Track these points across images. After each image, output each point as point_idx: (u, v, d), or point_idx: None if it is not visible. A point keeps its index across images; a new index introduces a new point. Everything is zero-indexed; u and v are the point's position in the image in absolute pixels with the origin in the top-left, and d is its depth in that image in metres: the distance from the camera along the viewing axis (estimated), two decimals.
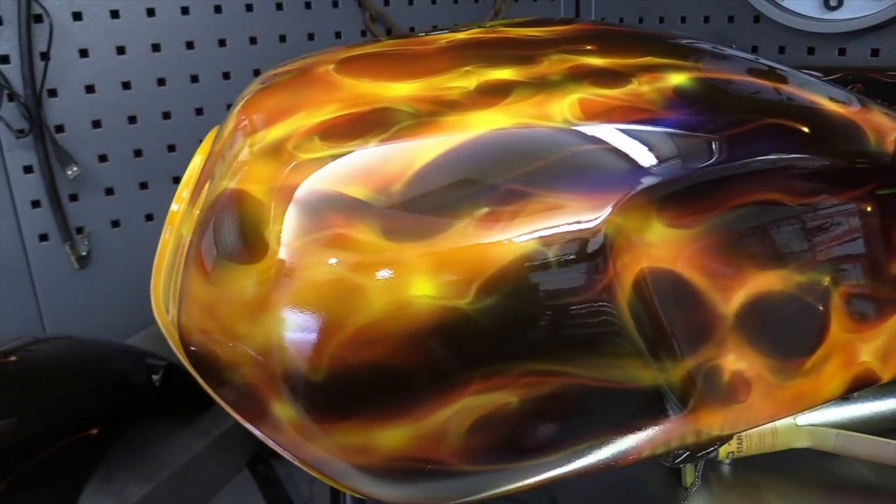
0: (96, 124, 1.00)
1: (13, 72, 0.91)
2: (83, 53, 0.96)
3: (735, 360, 0.46)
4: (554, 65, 0.47)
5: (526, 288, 0.41)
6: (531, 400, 0.43)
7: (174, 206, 0.56)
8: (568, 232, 0.41)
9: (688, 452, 0.54)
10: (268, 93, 0.52)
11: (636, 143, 0.43)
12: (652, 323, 0.43)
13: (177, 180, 1.07)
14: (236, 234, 0.45)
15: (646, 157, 0.42)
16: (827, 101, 0.49)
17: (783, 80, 0.51)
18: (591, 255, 0.41)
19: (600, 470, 0.48)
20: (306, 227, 0.42)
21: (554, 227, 0.41)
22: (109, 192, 1.03)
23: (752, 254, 0.46)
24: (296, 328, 0.42)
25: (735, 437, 0.75)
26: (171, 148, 1.06)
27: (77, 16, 0.95)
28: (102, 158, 1.01)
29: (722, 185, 0.44)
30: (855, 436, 0.73)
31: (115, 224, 1.05)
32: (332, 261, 0.41)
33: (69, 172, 0.92)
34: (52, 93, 0.94)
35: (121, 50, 0.99)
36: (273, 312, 0.43)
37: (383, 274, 0.41)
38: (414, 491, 0.46)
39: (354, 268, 0.41)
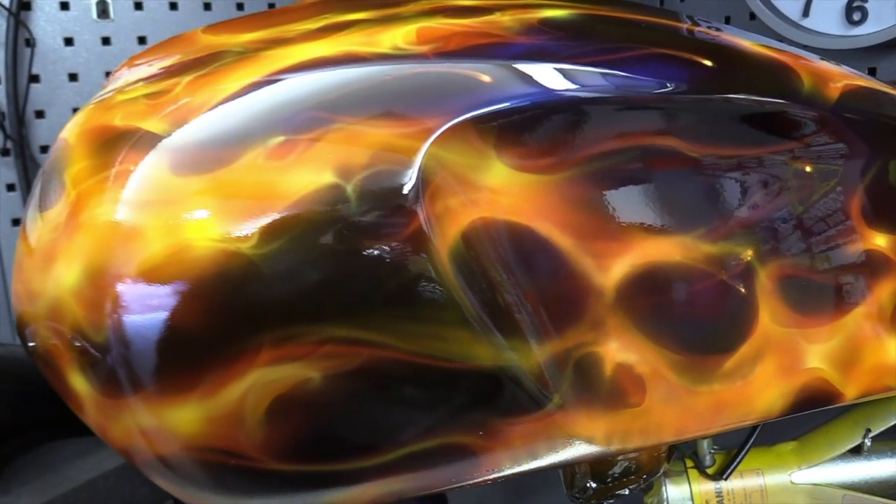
0: (72, 77, 0.99)
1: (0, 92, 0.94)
2: (73, 77, 0.99)
3: (620, 350, 0.36)
4: (414, 5, 0.41)
5: (318, 230, 0.33)
6: (336, 377, 0.34)
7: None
8: (371, 163, 0.33)
9: (594, 486, 0.43)
10: (146, 50, 0.48)
11: (470, 65, 0.35)
12: (489, 287, 0.34)
13: None
14: (43, 182, 0.40)
15: (478, 81, 0.34)
16: (752, 44, 0.40)
17: (701, 24, 0.42)
18: (397, 191, 0.33)
19: (451, 484, 0.38)
20: (97, 165, 0.37)
21: (355, 157, 0.33)
22: None
23: (639, 213, 0.36)
24: (77, 279, 0.36)
25: (715, 496, 0.62)
26: None
27: (69, 41, 0.98)
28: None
29: (590, 121, 0.36)
30: (868, 500, 0.58)
31: None
32: (116, 200, 0.36)
33: None
34: (40, 114, 0.97)
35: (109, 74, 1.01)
36: (59, 263, 0.37)
37: (164, 212, 0.35)
38: (226, 497, 0.38)
39: (136, 207, 0.35)
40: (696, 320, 0.37)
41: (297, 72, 0.36)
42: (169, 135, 0.36)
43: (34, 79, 0.94)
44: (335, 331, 0.34)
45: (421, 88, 0.34)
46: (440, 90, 0.34)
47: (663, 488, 0.57)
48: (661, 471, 0.44)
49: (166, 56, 0.44)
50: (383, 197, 0.33)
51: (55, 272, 0.37)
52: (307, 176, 0.33)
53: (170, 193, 0.34)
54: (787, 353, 0.38)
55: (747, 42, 0.41)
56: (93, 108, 0.41)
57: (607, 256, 0.36)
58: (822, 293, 0.38)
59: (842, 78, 0.40)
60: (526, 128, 0.35)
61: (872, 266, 0.39)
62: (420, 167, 0.33)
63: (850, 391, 0.39)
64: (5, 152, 0.93)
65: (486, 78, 0.35)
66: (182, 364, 0.35)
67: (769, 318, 0.38)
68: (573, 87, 0.35)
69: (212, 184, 0.34)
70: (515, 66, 0.35)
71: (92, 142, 0.38)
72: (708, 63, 0.37)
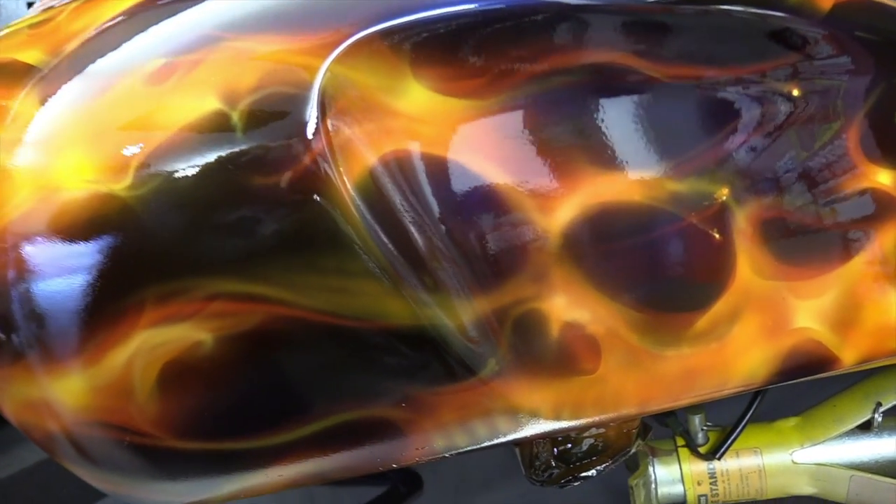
0: None
1: None
2: None
3: (569, 307, 0.31)
4: None
5: (199, 166, 0.28)
6: (230, 340, 0.29)
7: None
8: (260, 84, 0.28)
9: (556, 466, 0.38)
10: None
11: None
12: (404, 231, 0.29)
13: None
14: None
15: None
16: None
17: None
18: (291, 117, 0.28)
19: (377, 466, 0.33)
20: None
21: (242, 78, 0.28)
22: None
23: (591, 144, 0.30)
24: None
25: (707, 477, 0.56)
26: None
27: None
28: None
29: (528, 33, 0.30)
30: (878, 481, 0.52)
31: None
32: None
33: None
34: None
35: None
36: None
37: (33, 152, 0.30)
38: (126, 478, 0.33)
39: (5, 146, 0.31)
40: (660, 272, 0.31)
41: None
42: (43, 65, 0.31)
43: None
44: (224, 284, 0.29)
45: None
46: None
47: (650, 468, 0.51)
48: (633, 449, 0.39)
49: None
50: (274, 124, 0.28)
51: None
52: (188, 102, 0.28)
53: (40, 131, 0.30)
54: (771, 311, 0.32)
55: None
56: None
57: (552, 196, 0.30)
58: (813, 239, 0.32)
59: None
60: (449, 42, 0.29)
61: (875, 207, 0.33)
62: (319, 89, 0.28)
63: (849, 356, 0.33)
64: None
65: None
66: (59, 326, 0.30)
67: (749, 268, 0.32)
68: None
69: (84, 116, 0.29)
70: None
71: None
72: None
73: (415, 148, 0.29)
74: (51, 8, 0.35)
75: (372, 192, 0.28)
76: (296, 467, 0.32)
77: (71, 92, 0.30)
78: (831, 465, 0.53)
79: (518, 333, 0.30)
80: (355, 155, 0.28)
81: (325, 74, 0.28)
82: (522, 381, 0.31)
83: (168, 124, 0.28)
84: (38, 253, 0.29)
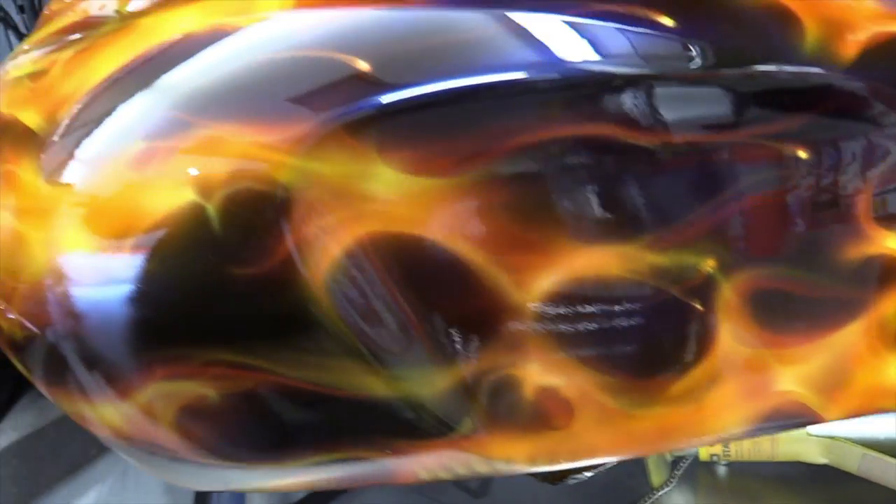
0: None
1: None
2: None
3: (542, 373, 0.32)
4: None
5: (183, 254, 0.29)
6: (232, 396, 0.32)
7: None
8: (231, 179, 0.29)
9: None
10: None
11: (347, 44, 0.28)
12: (377, 313, 0.30)
13: None
14: None
15: (352, 70, 0.28)
16: None
17: None
18: (260, 213, 0.28)
19: (370, 484, 0.37)
20: None
21: (214, 170, 0.29)
22: None
23: (565, 219, 0.30)
24: None
25: (721, 444, 0.58)
26: None
27: None
28: None
29: (501, 110, 0.28)
30: (889, 462, 0.52)
31: None
32: (4, 204, 0.34)
33: None
34: None
35: None
36: None
37: (42, 223, 0.32)
38: (165, 470, 0.39)
39: (20, 214, 0.33)
40: (636, 342, 0.31)
41: (163, 55, 0.31)
42: (42, 132, 0.33)
43: None
44: (218, 354, 0.31)
45: (285, 81, 0.29)
46: (307, 83, 0.28)
47: None
48: None
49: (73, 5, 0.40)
50: (246, 219, 0.29)
51: None
52: (167, 192, 0.29)
53: (45, 202, 0.32)
54: (752, 376, 0.32)
55: None
56: None
57: (525, 270, 0.30)
58: (805, 307, 0.31)
59: (871, 22, 0.29)
60: (417, 125, 0.28)
61: (879, 273, 0.31)
62: (286, 184, 0.28)
63: (834, 414, 0.33)
64: (20, 8, 0.93)
65: (362, 65, 0.28)
66: (85, 373, 0.34)
67: (731, 338, 0.31)
68: (479, 66, 0.28)
69: (81, 196, 0.31)
70: (401, 42, 0.28)
71: None
72: (668, 22, 0.28)
73: (385, 230, 0.29)
74: (47, 49, 0.36)
75: (343, 278, 0.29)
76: (297, 480, 0.36)
77: (68, 168, 0.31)
78: (844, 440, 0.54)
79: (493, 397, 0.32)
80: (325, 244, 0.29)
81: (289, 170, 0.28)
82: (497, 437, 0.33)
83: (152, 212, 0.30)
84: (54, 311, 0.33)
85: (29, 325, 0.34)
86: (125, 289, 0.31)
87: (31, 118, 0.33)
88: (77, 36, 0.36)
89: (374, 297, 0.30)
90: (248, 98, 0.29)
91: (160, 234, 0.30)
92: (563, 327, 0.31)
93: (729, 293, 0.31)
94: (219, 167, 0.29)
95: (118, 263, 0.31)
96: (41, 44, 0.38)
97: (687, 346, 0.31)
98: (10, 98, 0.35)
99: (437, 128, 0.28)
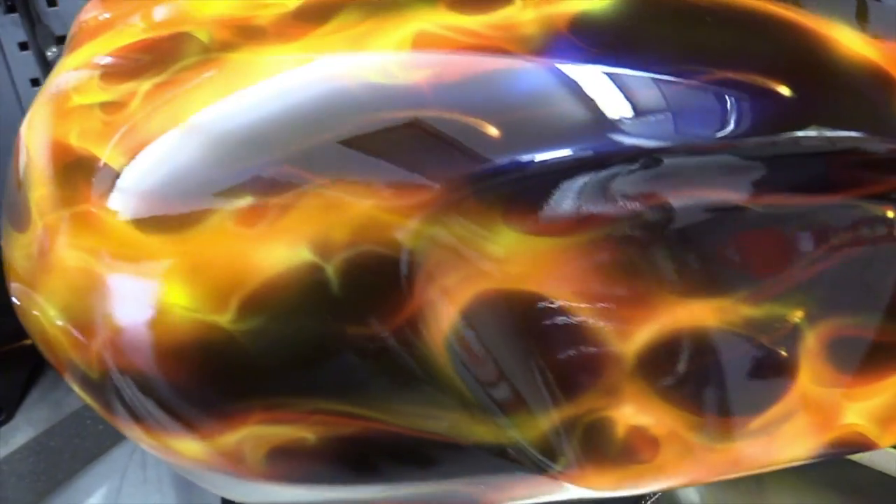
0: None
1: None
2: None
3: (635, 414, 0.33)
4: None
5: (297, 312, 0.29)
6: (332, 440, 0.33)
7: None
8: (353, 241, 0.28)
9: None
10: (89, 8, 0.41)
11: (474, 106, 0.28)
12: (490, 366, 0.31)
13: None
14: (12, 191, 0.37)
15: (484, 135, 0.28)
16: (847, 30, 0.31)
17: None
18: (383, 277, 0.29)
19: None
20: (61, 197, 0.33)
21: (335, 232, 0.28)
22: None
23: (671, 276, 0.31)
24: (59, 318, 0.34)
25: None
26: None
27: None
28: None
29: (623, 177, 0.29)
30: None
31: None
32: (83, 248, 0.32)
33: (49, 54, 0.86)
34: None
35: None
36: (40, 296, 0.35)
37: (133, 271, 0.31)
38: (220, 487, 0.39)
39: (105, 259, 0.32)
40: (725, 384, 0.33)
41: (265, 96, 0.30)
42: (127, 172, 0.31)
43: None
44: (323, 404, 0.32)
45: (411, 143, 0.28)
46: (435, 146, 0.28)
47: None
48: None
49: (127, 21, 0.37)
50: (368, 282, 0.29)
51: (38, 302, 0.35)
52: (282, 251, 0.29)
53: (136, 251, 0.31)
54: (822, 412, 0.35)
55: (839, 29, 0.31)
56: (49, 105, 0.36)
57: (630, 323, 0.31)
58: (877, 351, 0.34)
59: None
60: (542, 188, 0.29)
61: None
62: (409, 249, 0.28)
63: (887, 441, 0.36)
64: (9, 7, 0.86)
65: (492, 130, 0.28)
66: (173, 413, 0.34)
67: (809, 379, 0.34)
68: (607, 138, 0.28)
69: (179, 248, 0.30)
70: (532, 110, 0.28)
71: (51, 161, 0.34)
72: (785, 92, 0.29)
73: (501, 287, 0.30)
74: (115, 75, 0.34)
75: (460, 335, 0.30)
76: (364, 497, 0.37)
77: (163, 216, 0.30)
78: None
79: (588, 436, 0.33)
80: (445, 304, 0.29)
81: (416, 235, 0.28)
82: (587, 470, 0.34)
83: (264, 269, 0.29)
84: (147, 357, 0.32)
85: (113, 366, 0.34)
86: (226, 342, 0.30)
87: (111, 156, 0.32)
88: (145, 60, 0.34)
89: (487, 351, 0.30)
90: (371, 158, 0.28)
91: (272, 291, 0.29)
92: (658, 373, 0.32)
93: (812, 340, 0.33)
94: (340, 229, 0.28)
95: (220, 317, 0.30)
96: (93, 67, 0.36)
97: (769, 387, 0.34)
98: (81, 130, 0.33)
99: (562, 191, 0.29)
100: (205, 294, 0.30)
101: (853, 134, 0.30)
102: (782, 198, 0.30)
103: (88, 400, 0.38)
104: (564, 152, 0.28)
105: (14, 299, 0.38)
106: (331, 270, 0.28)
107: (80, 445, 0.63)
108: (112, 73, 0.34)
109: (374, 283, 0.29)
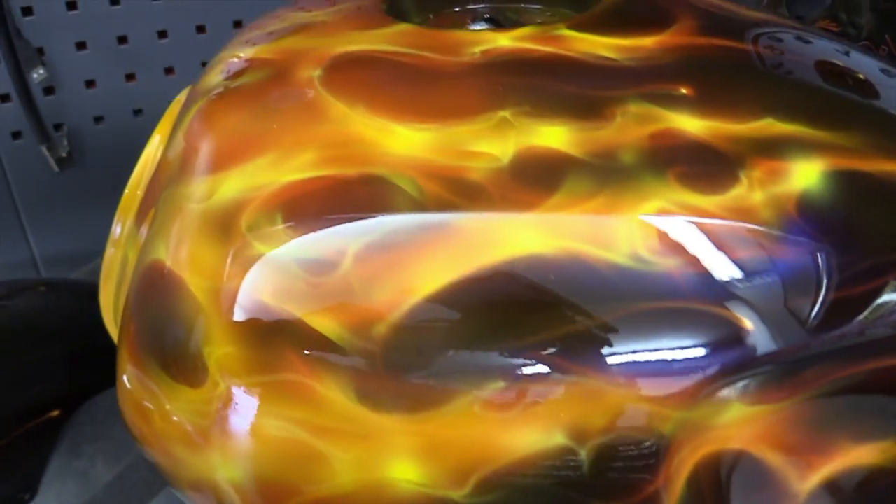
0: (71, 6, 0.82)
1: None
2: None
3: None
4: (629, 125, 0.32)
5: (543, 489, 0.30)
6: None
7: (116, 229, 0.44)
8: (610, 428, 0.29)
9: None
10: (226, 105, 0.37)
11: (727, 299, 0.30)
12: None
13: (168, 70, 0.91)
14: (171, 338, 0.33)
15: (739, 329, 0.29)
16: None
17: None
18: (638, 460, 0.30)
19: None
20: (259, 362, 0.31)
21: (592, 419, 0.29)
22: (90, 84, 0.87)
23: (851, 426, 0.34)
24: (240, 480, 0.32)
25: None
26: (162, 34, 0.89)
27: None
28: (81, 46, 0.84)
29: (835, 354, 0.32)
30: None
31: (99, 120, 0.90)
32: (290, 416, 0.31)
33: (35, 75, 0.76)
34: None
35: None
36: (215, 455, 0.33)
37: (354, 446, 0.30)
38: None
39: (317, 431, 0.30)
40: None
41: (516, 273, 0.29)
42: (349, 347, 0.30)
43: None
44: None
45: (670, 334, 0.29)
46: (695, 339, 0.29)
47: None
48: None
49: (288, 143, 0.34)
50: (621, 464, 0.30)
51: (207, 457, 0.33)
52: (534, 436, 0.29)
53: (361, 427, 0.30)
54: None
55: None
56: (219, 246, 0.33)
57: (811, 467, 0.34)
58: None
59: None
60: (779, 374, 0.30)
61: None
62: (665, 435, 0.29)
63: None
64: None
65: (747, 323, 0.29)
66: None
67: None
68: (837, 328, 0.31)
69: (415, 427, 0.29)
70: (779, 304, 0.30)
71: (239, 322, 0.31)
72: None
73: (720, 447, 0.32)
74: (322, 228, 0.31)
75: (685, 498, 0.31)
76: None
77: (396, 397, 0.29)
78: None
79: None
80: (680, 472, 0.31)
81: (672, 422, 0.29)
82: None
83: (512, 450, 0.29)
84: None
85: None
86: None
87: (326, 326, 0.30)
88: (338, 206, 0.32)
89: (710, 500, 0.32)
90: (629, 348, 0.29)
91: (517, 470, 0.29)
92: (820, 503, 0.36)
93: None
94: (599, 418, 0.29)
95: (455, 493, 0.30)
96: (268, 206, 0.32)
97: None
98: (281, 293, 0.31)
99: (785, 373, 0.31)
100: (441, 473, 0.30)
101: None
102: None
103: None
104: (808, 349, 0.30)
105: (165, 448, 0.35)
106: (584, 454, 0.29)
107: None
108: (300, 217, 0.32)
109: (627, 466, 0.29)
